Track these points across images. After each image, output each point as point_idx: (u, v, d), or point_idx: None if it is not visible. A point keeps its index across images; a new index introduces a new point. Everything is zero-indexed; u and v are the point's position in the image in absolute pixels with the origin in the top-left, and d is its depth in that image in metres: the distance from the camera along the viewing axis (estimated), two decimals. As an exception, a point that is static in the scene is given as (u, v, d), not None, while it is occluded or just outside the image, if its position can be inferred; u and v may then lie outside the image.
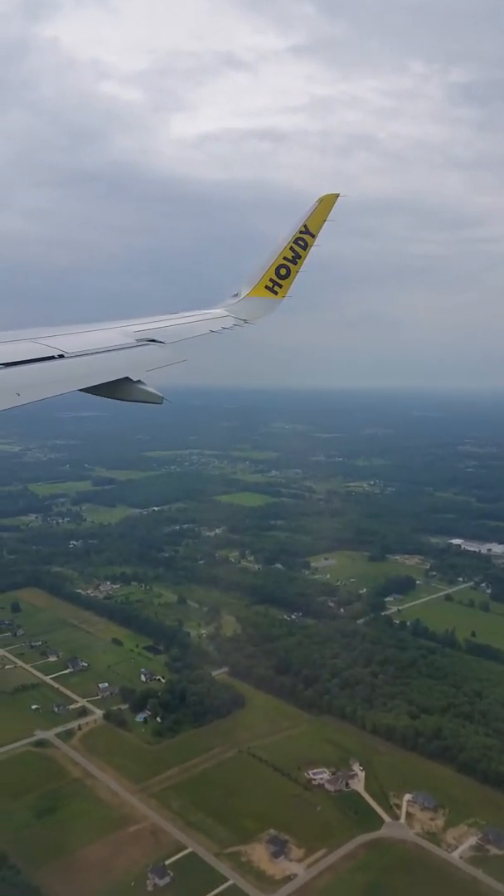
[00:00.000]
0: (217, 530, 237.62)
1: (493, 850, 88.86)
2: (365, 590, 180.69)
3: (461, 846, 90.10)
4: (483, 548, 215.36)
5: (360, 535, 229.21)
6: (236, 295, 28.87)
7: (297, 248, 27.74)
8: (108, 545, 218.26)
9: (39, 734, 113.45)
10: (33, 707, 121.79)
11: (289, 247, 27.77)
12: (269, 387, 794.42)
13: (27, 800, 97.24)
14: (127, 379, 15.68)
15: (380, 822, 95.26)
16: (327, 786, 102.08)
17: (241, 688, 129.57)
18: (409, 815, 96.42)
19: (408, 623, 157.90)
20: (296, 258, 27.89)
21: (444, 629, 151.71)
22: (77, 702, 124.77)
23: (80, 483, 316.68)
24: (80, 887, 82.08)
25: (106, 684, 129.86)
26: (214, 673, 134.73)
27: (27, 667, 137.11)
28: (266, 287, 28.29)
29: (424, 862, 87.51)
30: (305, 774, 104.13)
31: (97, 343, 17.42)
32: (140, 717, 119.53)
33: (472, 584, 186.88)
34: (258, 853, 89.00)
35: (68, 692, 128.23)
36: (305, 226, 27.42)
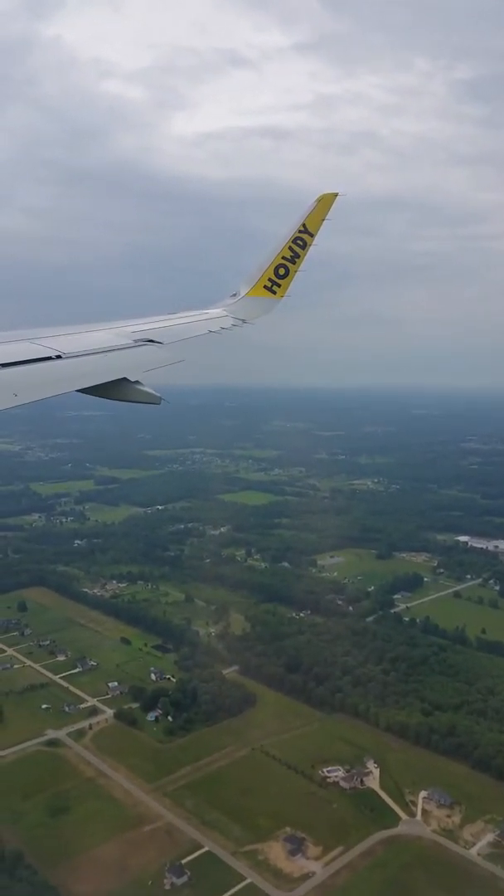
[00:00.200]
0: (222, 529, 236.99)
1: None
2: (373, 587, 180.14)
3: (479, 843, 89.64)
4: (490, 545, 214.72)
5: (366, 532, 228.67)
6: (235, 295, 28.63)
7: (295, 248, 27.52)
8: (112, 544, 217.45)
9: (51, 733, 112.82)
10: (43, 706, 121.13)
11: (287, 246, 27.52)
12: (268, 385, 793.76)
13: (41, 799, 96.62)
14: (125, 379, 15.65)
15: (396, 819, 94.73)
16: (342, 783, 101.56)
17: (252, 686, 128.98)
18: (425, 812, 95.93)
19: (417, 620, 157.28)
20: (294, 258, 27.66)
21: (454, 626, 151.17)
22: (87, 701, 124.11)
23: (82, 482, 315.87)
24: (97, 887, 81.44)
25: (116, 683, 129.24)
26: (225, 671, 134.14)
27: (36, 666, 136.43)
28: (265, 287, 28.09)
29: (443, 859, 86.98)
30: (320, 772, 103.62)
31: (95, 343, 17.38)
32: (151, 716, 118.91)
33: (480, 581, 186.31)
34: (275, 851, 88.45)
35: (78, 691, 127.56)
36: (304, 225, 27.19)
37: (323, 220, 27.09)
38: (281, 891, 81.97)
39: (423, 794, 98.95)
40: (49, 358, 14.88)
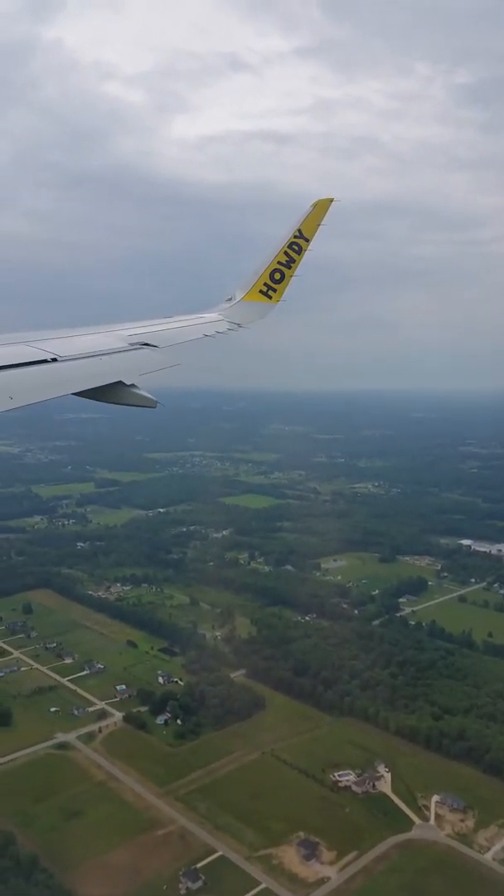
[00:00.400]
0: (224, 532, 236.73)
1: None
2: (377, 591, 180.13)
3: (494, 847, 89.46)
4: (493, 548, 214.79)
5: (368, 536, 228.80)
6: (230, 299, 28.72)
7: (291, 253, 27.61)
8: (115, 547, 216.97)
9: (60, 737, 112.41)
10: (52, 709, 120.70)
11: (283, 251, 27.64)
12: (266, 389, 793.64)
13: (53, 803, 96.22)
14: (120, 383, 15.72)
15: (409, 823, 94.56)
16: (354, 787, 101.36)
17: (260, 690, 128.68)
18: (438, 816, 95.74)
19: (423, 624, 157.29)
20: (290, 262, 27.78)
21: (461, 630, 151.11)
22: (95, 704, 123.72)
23: (82, 485, 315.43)
24: (113, 891, 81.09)
25: (123, 686, 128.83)
26: (232, 675, 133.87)
27: (43, 669, 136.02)
28: (260, 291, 28.18)
29: (458, 863, 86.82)
30: (331, 776, 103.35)
31: (91, 347, 17.46)
32: (160, 720, 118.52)
33: (484, 584, 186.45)
34: (289, 856, 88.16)
35: (86, 694, 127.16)
36: (300, 230, 27.32)
37: (319, 225, 27.25)
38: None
39: (435, 798, 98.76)
40: (45, 361, 14.97)
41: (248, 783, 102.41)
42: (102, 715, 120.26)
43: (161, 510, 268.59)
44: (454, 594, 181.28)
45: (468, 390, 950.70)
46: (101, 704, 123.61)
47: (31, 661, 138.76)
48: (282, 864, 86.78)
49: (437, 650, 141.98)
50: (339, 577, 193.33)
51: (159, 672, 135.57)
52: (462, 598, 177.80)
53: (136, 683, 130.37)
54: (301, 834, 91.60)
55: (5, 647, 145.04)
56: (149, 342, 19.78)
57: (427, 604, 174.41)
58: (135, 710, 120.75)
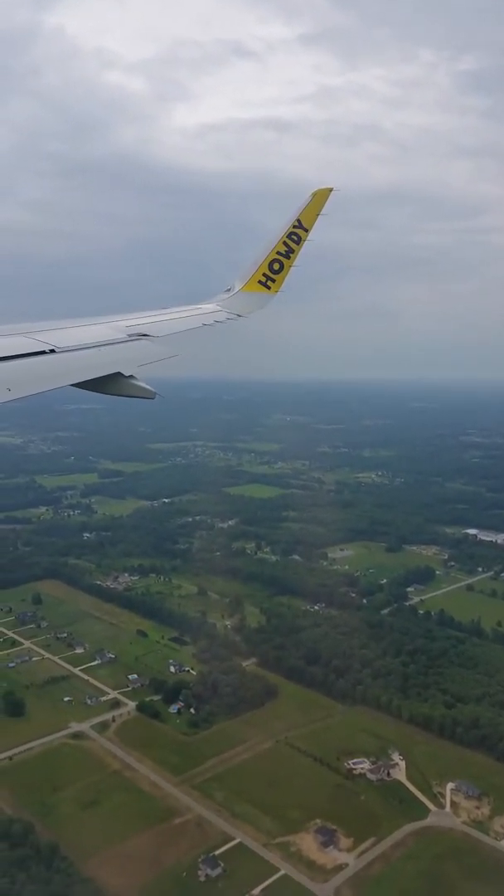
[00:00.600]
0: (230, 522, 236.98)
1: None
2: (385, 580, 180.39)
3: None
4: (498, 538, 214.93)
5: (374, 525, 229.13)
6: (229, 290, 28.51)
7: (290, 243, 27.39)
8: (122, 537, 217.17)
9: (75, 726, 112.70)
10: (65, 699, 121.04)
11: (282, 241, 27.42)
12: (265, 379, 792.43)
13: (70, 792, 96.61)
14: (119, 374, 15.76)
15: (425, 810, 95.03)
16: (369, 775, 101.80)
17: (272, 678, 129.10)
18: (453, 803, 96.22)
19: (432, 613, 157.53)
20: (289, 253, 27.56)
21: (470, 619, 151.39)
22: (108, 693, 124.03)
23: (86, 475, 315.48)
24: (132, 879, 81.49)
25: (135, 676, 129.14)
26: (244, 664, 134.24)
27: (55, 658, 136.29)
28: (259, 282, 27.98)
29: (475, 850, 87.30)
30: (346, 764, 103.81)
31: (89, 338, 17.52)
32: (173, 709, 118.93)
33: (491, 573, 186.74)
34: (307, 843, 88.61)
35: (98, 684, 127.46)
36: (299, 220, 27.10)
37: (318, 215, 27.03)
38: (316, 882, 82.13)
39: (450, 785, 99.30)
40: (43, 352, 14.99)
41: (263, 771, 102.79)
42: (115, 704, 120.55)
43: (166, 500, 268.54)
44: (462, 583, 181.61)
45: (468, 380, 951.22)
46: (113, 694, 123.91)
47: (43, 651, 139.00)
48: (300, 851, 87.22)
49: (448, 639, 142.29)
50: (347, 567, 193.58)
51: (170, 661, 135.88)
52: (470, 588, 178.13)
53: (147, 673, 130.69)
54: (318, 821, 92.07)
55: (16, 637, 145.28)
56: (147, 333, 19.80)
57: (435, 593, 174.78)
58: (147, 700, 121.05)
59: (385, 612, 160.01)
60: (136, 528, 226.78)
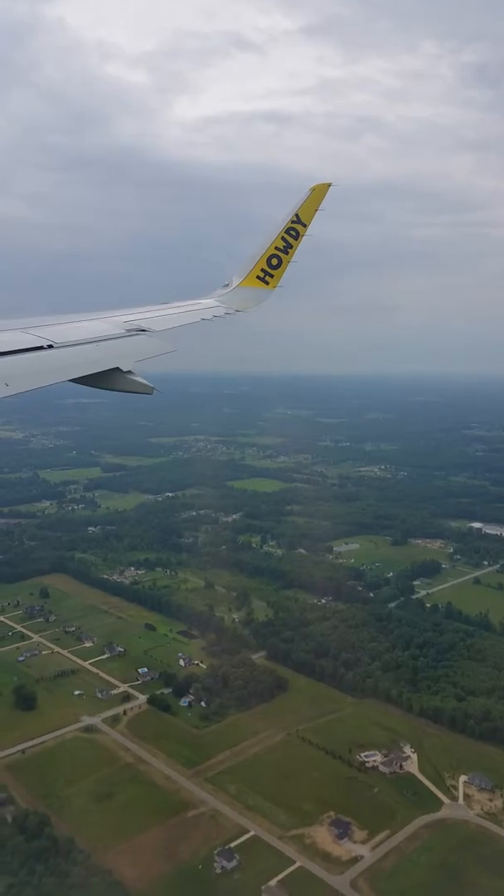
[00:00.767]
0: (234, 516, 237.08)
1: None
2: (391, 574, 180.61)
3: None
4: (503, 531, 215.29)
5: (378, 519, 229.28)
6: (227, 285, 28.45)
7: (288, 238, 27.37)
8: (126, 531, 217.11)
9: (86, 720, 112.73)
10: (76, 693, 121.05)
11: (280, 237, 27.37)
12: (265, 373, 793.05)
13: (84, 785, 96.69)
14: (117, 369, 15.74)
15: (439, 803, 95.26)
16: (381, 768, 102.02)
17: (282, 672, 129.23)
18: (466, 796, 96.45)
19: (440, 606, 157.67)
20: (287, 248, 27.52)
21: (478, 612, 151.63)
22: (118, 687, 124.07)
23: (89, 469, 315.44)
24: (149, 870, 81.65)
25: (145, 669, 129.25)
26: (253, 657, 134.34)
27: (64, 652, 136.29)
28: (257, 277, 27.93)
29: (490, 842, 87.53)
30: (358, 757, 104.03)
31: (87, 333, 17.54)
32: (184, 702, 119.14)
33: (497, 567, 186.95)
34: (321, 835, 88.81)
35: (108, 677, 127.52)
36: (297, 215, 27.09)
37: (316, 210, 27.02)
38: (332, 874, 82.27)
39: (463, 778, 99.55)
40: (41, 347, 15.02)
41: (275, 764, 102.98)
42: (126, 698, 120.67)
43: (169, 494, 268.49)
44: (468, 576, 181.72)
45: (469, 374, 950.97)
46: (123, 687, 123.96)
47: (52, 645, 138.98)
48: (315, 843, 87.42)
49: (456, 632, 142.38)
50: (353, 560, 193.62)
51: (180, 654, 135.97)
52: (476, 581, 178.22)
53: (157, 666, 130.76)
54: (332, 814, 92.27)
55: (25, 630, 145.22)
56: (145, 328, 19.77)
57: (441, 586, 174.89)
58: (158, 693, 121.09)
59: (392, 605, 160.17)
60: (140, 523, 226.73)
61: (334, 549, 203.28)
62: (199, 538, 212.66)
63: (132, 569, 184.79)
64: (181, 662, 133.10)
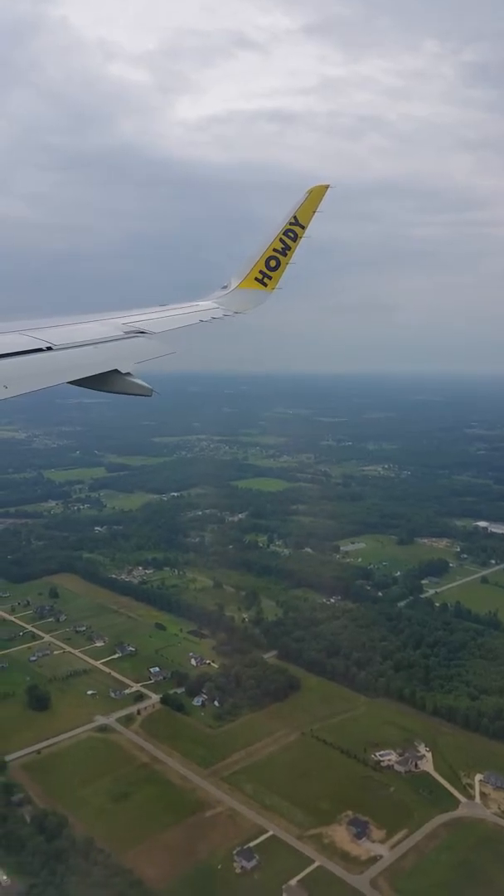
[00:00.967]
0: (240, 515, 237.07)
1: None
2: (399, 573, 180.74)
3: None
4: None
5: (384, 518, 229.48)
6: (226, 287, 28.46)
7: (286, 240, 27.40)
8: (133, 531, 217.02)
9: (100, 720, 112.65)
10: (89, 692, 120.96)
11: (278, 238, 27.40)
12: (264, 372, 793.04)
13: (100, 785, 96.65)
14: (116, 371, 15.79)
15: (455, 802, 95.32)
16: (397, 767, 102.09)
17: (294, 671, 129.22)
18: (483, 794, 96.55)
19: (449, 605, 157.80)
20: (286, 250, 27.55)
21: (487, 611, 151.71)
22: (131, 686, 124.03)
23: (93, 469, 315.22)
24: (169, 870, 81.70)
25: (157, 668, 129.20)
26: (265, 656, 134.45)
27: (76, 652, 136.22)
28: (256, 279, 27.94)
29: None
30: (373, 756, 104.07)
31: (85, 335, 17.63)
32: (197, 701, 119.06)
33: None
34: (340, 835, 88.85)
35: (121, 677, 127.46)
36: (295, 217, 27.13)
37: (314, 212, 27.05)
38: (352, 874, 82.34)
39: (478, 776, 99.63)
40: (40, 350, 15.08)
41: (291, 763, 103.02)
42: (139, 697, 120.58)
43: (175, 494, 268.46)
44: (476, 575, 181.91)
45: (470, 373, 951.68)
46: (136, 687, 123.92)
47: (63, 645, 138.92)
48: (333, 842, 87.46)
49: (467, 631, 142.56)
50: (360, 560, 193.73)
51: (191, 654, 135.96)
52: (484, 580, 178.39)
53: (169, 666, 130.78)
54: (349, 813, 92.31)
55: (36, 630, 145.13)
56: (144, 330, 19.85)
57: (449, 585, 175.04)
58: (171, 692, 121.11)
59: (402, 604, 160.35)
60: (147, 522, 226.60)
61: (341, 548, 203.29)
62: (206, 538, 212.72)
63: (140, 568, 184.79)
64: (193, 662, 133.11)
